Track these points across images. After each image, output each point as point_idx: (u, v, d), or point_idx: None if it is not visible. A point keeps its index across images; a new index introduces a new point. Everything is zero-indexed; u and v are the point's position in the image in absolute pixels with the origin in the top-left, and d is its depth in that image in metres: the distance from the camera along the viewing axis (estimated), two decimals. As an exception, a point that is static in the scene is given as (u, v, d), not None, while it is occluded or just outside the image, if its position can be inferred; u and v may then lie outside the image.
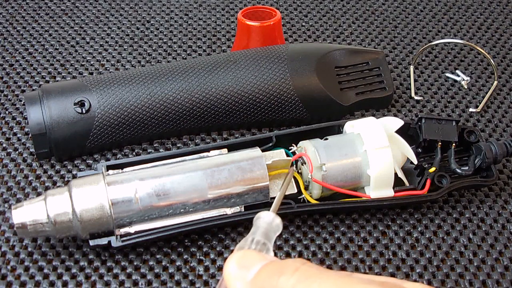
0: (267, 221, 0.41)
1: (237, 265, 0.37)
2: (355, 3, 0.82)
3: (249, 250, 0.39)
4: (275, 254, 0.52)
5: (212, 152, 0.54)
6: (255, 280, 0.37)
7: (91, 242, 0.50)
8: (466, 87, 0.69)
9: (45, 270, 0.51)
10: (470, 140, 0.57)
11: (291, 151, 0.56)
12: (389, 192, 0.54)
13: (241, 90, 0.61)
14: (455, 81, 0.70)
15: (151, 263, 0.52)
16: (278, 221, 0.41)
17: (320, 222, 0.55)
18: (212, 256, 0.52)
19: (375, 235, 0.54)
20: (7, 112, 0.65)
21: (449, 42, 0.75)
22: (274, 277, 0.36)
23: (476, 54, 0.74)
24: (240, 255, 0.38)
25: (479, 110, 0.66)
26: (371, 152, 0.53)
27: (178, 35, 0.75)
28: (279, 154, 0.56)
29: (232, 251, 0.53)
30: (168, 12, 0.79)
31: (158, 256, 0.52)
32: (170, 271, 0.51)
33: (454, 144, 0.56)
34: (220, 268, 0.52)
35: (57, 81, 0.68)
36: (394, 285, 0.35)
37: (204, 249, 0.53)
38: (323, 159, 0.53)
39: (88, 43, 0.73)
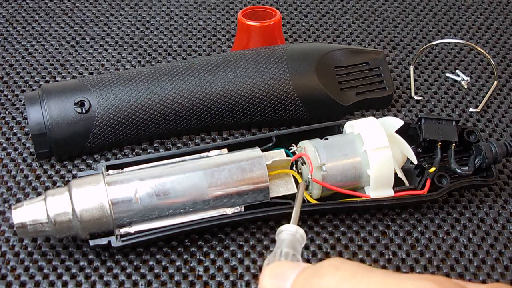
0: (291, 233, 0.39)
1: (272, 277, 0.36)
2: (355, 3, 0.82)
3: (280, 261, 0.37)
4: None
5: (212, 152, 0.54)
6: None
7: (91, 242, 0.50)
8: (466, 87, 0.69)
9: (45, 270, 0.51)
10: (470, 140, 0.57)
11: (291, 151, 0.56)
12: (389, 192, 0.54)
13: (241, 90, 0.61)
14: (455, 81, 0.70)
15: (151, 263, 0.52)
16: (301, 232, 0.40)
17: (320, 222, 0.55)
18: (212, 256, 0.52)
19: (375, 235, 0.54)
20: (7, 112, 0.65)
21: (449, 42, 0.75)
22: (315, 280, 0.34)
23: (476, 54, 0.74)
24: (272, 267, 0.36)
25: (479, 110, 0.66)
26: (371, 152, 0.53)
27: (178, 35, 0.75)
28: (279, 154, 0.56)
29: (232, 251, 0.53)
30: (168, 12, 0.79)
31: (158, 256, 0.52)
32: (170, 271, 0.51)
33: (454, 144, 0.56)
34: (220, 269, 0.52)
35: (57, 81, 0.68)
36: (447, 280, 0.32)
37: (204, 249, 0.53)
38: (323, 159, 0.53)
39: (88, 43, 0.73)
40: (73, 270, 0.51)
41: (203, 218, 0.52)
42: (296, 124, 0.63)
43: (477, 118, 0.66)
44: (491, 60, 0.70)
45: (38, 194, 0.57)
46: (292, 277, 0.35)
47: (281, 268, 0.36)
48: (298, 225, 0.41)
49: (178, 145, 0.62)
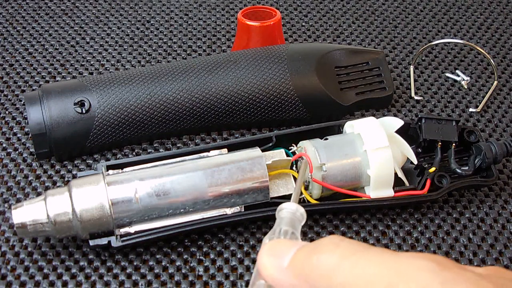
0: (291, 211, 0.39)
1: (270, 255, 0.35)
2: (355, 3, 0.82)
3: (278, 239, 0.37)
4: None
5: (212, 152, 0.54)
6: (292, 265, 0.34)
7: (91, 242, 0.50)
8: (466, 87, 0.69)
9: (45, 270, 0.51)
10: (470, 140, 0.57)
11: (291, 151, 0.56)
12: (389, 192, 0.54)
13: (241, 90, 0.61)
14: (455, 81, 0.70)
15: (151, 263, 0.52)
16: (302, 210, 0.39)
17: (320, 222, 0.55)
18: (212, 256, 0.52)
19: (375, 235, 0.54)
20: (7, 112, 0.65)
21: (449, 42, 0.75)
22: (313, 257, 0.33)
23: (476, 54, 0.74)
24: (270, 245, 0.36)
25: (479, 110, 0.66)
26: (371, 152, 0.53)
27: (178, 35, 0.75)
28: (279, 154, 0.56)
29: (232, 251, 0.53)
30: (168, 12, 0.79)
31: (158, 256, 0.52)
32: (170, 271, 0.51)
33: (454, 144, 0.56)
34: (220, 269, 0.52)
35: (57, 81, 0.68)
36: (447, 260, 0.32)
37: (204, 249, 0.53)
38: (323, 159, 0.53)
39: (88, 43, 0.73)
40: (73, 270, 0.51)
41: (203, 218, 0.52)
42: (296, 124, 0.63)
43: (477, 118, 0.66)
44: (491, 60, 0.70)
45: (38, 194, 0.57)
46: (290, 255, 0.35)
47: (279, 246, 0.36)
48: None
49: (178, 145, 0.62)
